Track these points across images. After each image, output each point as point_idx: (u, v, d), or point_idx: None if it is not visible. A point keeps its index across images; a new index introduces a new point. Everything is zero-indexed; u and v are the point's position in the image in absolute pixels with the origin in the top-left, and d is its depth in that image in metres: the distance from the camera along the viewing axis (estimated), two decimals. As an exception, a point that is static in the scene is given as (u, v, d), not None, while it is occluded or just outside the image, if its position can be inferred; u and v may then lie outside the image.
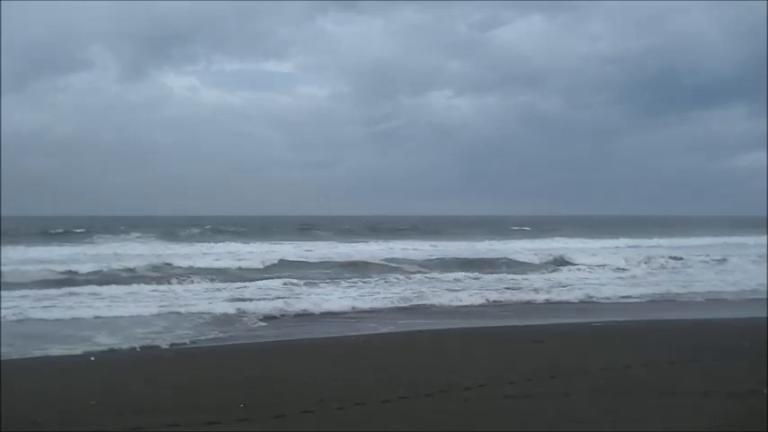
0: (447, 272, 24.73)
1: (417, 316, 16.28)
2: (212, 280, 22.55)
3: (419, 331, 13.80)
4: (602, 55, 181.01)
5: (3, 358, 10.70)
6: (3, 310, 15.14)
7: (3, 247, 30.92)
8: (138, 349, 11.89)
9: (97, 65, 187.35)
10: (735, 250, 34.44)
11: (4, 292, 17.77)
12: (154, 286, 20.53)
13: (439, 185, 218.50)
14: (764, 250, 30.84)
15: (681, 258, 30.19)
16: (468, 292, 19.93)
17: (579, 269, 27.10)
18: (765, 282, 20.70)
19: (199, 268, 25.36)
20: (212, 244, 37.82)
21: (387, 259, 28.91)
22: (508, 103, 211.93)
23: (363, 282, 22.33)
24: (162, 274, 24.04)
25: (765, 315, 15.70)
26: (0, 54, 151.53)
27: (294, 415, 6.96)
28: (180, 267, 25.55)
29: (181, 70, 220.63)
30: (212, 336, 13.36)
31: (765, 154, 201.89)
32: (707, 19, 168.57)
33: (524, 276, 24.29)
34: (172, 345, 12.42)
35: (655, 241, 45.64)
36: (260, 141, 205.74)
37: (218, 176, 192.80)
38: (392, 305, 17.68)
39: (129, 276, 23.22)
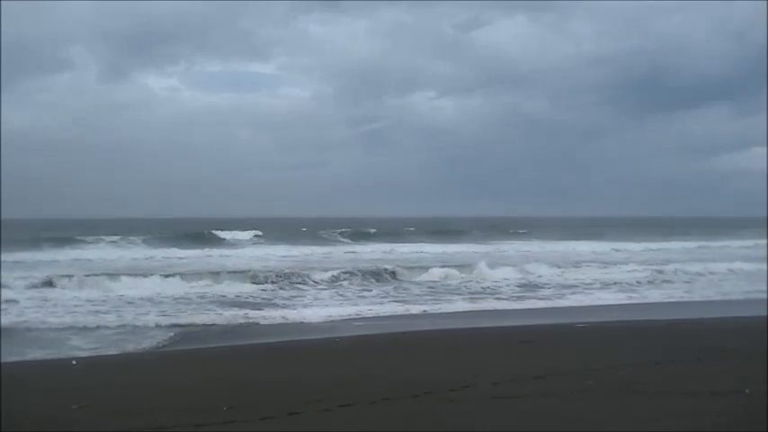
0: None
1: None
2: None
3: (404, 332, 13.82)
4: (586, 56, 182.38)
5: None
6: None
7: None
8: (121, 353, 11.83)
9: (78, 65, 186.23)
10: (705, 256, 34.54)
11: None
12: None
13: (423, 187, 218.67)
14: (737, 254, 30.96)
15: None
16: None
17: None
18: None
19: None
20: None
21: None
22: (492, 104, 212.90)
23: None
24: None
25: (746, 315, 15.89)
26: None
27: (280, 417, 6.92)
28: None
29: (162, 71, 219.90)
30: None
31: (748, 154, 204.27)
32: (691, 21, 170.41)
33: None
34: (155, 348, 12.38)
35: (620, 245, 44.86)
36: (243, 143, 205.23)
37: (202, 178, 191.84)
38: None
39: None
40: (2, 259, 26.09)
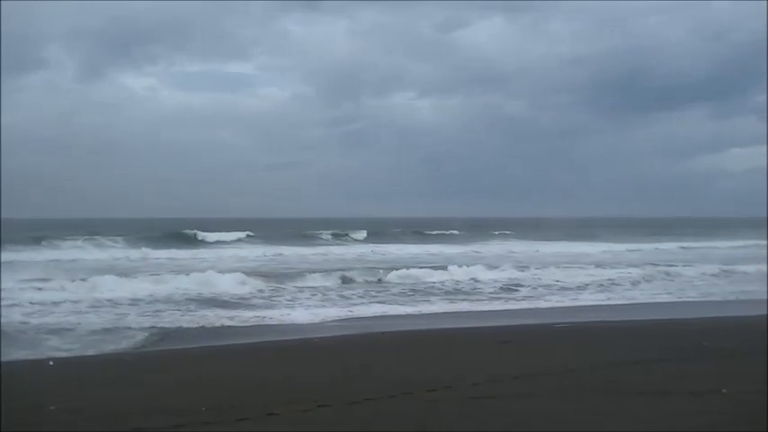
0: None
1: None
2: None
3: (383, 333, 13.83)
4: (564, 56, 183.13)
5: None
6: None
7: None
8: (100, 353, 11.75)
9: (54, 64, 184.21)
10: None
11: None
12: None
13: (403, 187, 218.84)
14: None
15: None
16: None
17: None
18: None
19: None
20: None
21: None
22: (471, 105, 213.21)
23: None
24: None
25: (724, 315, 16.02)
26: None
27: (259, 418, 6.90)
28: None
29: (141, 71, 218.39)
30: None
31: (728, 156, 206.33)
32: (669, 21, 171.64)
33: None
34: (134, 348, 12.31)
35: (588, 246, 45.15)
36: (222, 143, 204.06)
37: (181, 178, 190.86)
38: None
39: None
40: None
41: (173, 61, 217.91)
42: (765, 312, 16.01)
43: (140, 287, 20.41)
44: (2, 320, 14.67)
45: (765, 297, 19.86)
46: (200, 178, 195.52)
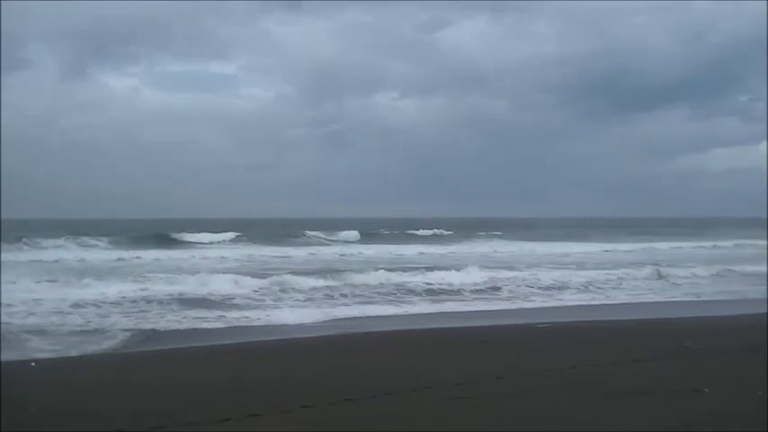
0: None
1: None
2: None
3: (365, 333, 13.87)
4: (547, 57, 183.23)
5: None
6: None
7: None
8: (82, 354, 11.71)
9: (35, 64, 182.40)
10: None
11: None
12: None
13: (386, 187, 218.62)
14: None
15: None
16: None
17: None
18: None
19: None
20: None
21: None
22: (454, 105, 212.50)
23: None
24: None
25: (706, 315, 16.16)
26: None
27: (240, 419, 6.92)
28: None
29: (122, 71, 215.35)
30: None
31: (708, 156, 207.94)
32: (651, 22, 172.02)
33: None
34: (116, 349, 12.28)
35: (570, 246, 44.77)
36: (204, 143, 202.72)
37: (163, 178, 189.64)
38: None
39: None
40: None
41: (154, 61, 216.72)
42: (747, 312, 16.27)
43: (123, 288, 20.31)
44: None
45: (746, 297, 20.12)
46: (183, 178, 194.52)
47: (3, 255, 30.88)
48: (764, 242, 46.18)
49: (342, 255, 38.01)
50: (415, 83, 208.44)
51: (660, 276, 25.70)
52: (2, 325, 14.34)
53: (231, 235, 51.49)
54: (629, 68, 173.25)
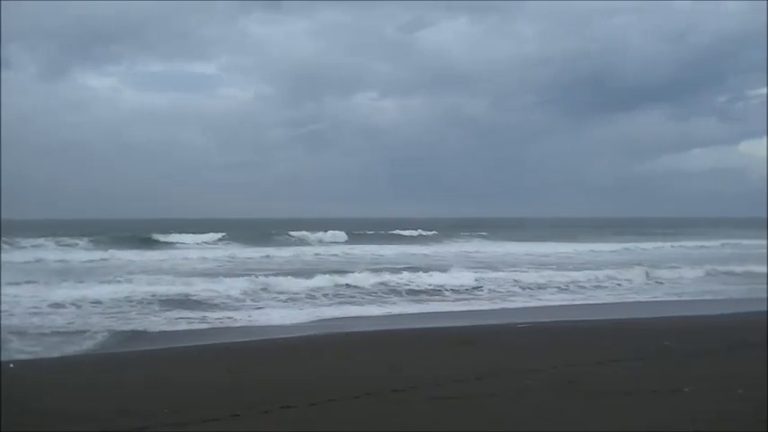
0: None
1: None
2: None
3: (347, 333, 13.86)
4: (528, 57, 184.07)
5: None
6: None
7: None
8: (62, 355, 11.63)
9: (15, 64, 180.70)
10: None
11: None
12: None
13: (367, 188, 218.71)
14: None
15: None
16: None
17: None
18: None
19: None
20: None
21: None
22: (435, 106, 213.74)
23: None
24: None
25: (686, 315, 16.28)
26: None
27: (222, 419, 6.90)
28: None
29: (103, 71, 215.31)
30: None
31: (688, 156, 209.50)
32: (632, 22, 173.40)
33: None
34: (97, 350, 12.21)
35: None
36: (184, 143, 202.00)
37: (143, 179, 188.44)
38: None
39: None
40: None
41: (135, 61, 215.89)
42: (728, 311, 16.42)
43: (104, 288, 20.18)
44: None
45: (729, 297, 20.29)
46: (164, 178, 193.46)
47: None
48: (750, 242, 46.86)
49: (324, 255, 37.94)
50: (395, 83, 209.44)
51: (649, 277, 25.75)
52: None
53: (214, 236, 51.25)
54: (609, 68, 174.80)
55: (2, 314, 15.62)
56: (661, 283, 24.73)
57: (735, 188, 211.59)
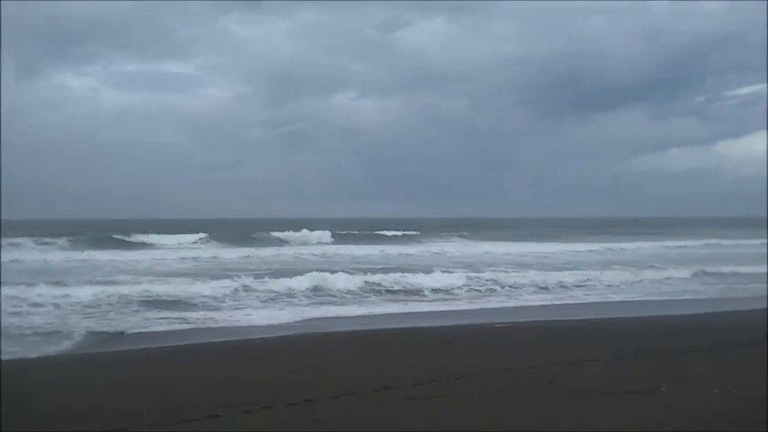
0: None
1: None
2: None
3: (325, 333, 13.88)
4: (506, 57, 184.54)
5: None
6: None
7: None
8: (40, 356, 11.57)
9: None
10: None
11: None
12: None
13: (348, 188, 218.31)
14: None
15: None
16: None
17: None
18: None
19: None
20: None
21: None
22: (413, 106, 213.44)
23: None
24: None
25: (664, 314, 16.41)
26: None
27: (201, 419, 6.91)
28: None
29: (79, 70, 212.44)
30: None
31: (665, 156, 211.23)
32: (609, 22, 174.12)
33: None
34: (75, 350, 12.16)
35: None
36: (162, 143, 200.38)
37: (120, 179, 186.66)
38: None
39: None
40: None
41: (112, 60, 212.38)
42: (707, 312, 16.59)
43: (83, 289, 20.06)
44: None
45: (700, 297, 20.47)
46: (142, 179, 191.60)
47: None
48: (732, 242, 47.37)
49: (307, 255, 37.85)
50: (374, 83, 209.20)
51: (630, 277, 25.83)
52: None
53: (195, 236, 50.98)
54: (588, 68, 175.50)
55: None
56: (640, 282, 24.82)
57: (711, 188, 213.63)
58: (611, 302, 19.78)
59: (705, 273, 27.18)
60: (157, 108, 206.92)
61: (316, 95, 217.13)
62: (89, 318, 15.75)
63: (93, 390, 8.62)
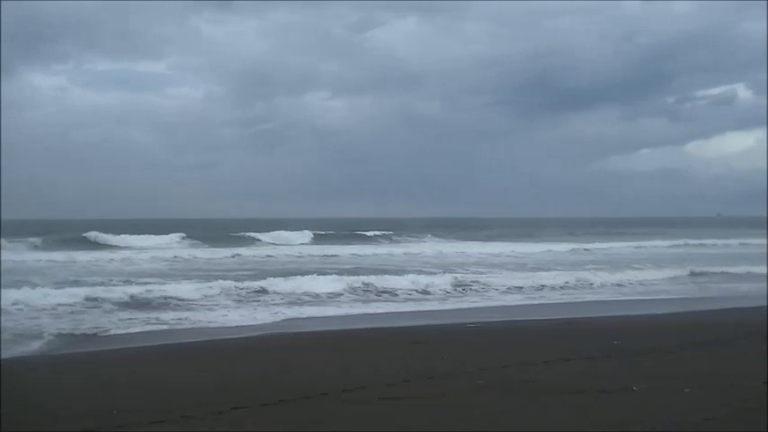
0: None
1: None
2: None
3: (297, 333, 13.84)
4: (479, 57, 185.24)
5: None
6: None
7: None
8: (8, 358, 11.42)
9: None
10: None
11: None
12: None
13: (319, 187, 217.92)
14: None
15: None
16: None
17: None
18: None
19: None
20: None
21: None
22: (385, 106, 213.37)
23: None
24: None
25: (635, 314, 16.54)
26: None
27: (173, 420, 6.86)
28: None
29: (49, 70, 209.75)
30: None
31: (636, 156, 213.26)
32: (581, 22, 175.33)
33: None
34: (45, 351, 12.03)
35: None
36: (133, 143, 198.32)
37: (90, 179, 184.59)
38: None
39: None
40: None
41: (82, 60, 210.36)
42: (679, 311, 16.75)
43: (55, 290, 19.87)
44: None
45: (673, 297, 20.67)
46: (114, 178, 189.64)
47: None
48: (711, 241, 47.96)
49: (282, 256, 37.77)
50: (345, 83, 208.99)
51: (600, 278, 25.93)
52: None
53: (168, 237, 50.61)
54: (560, 69, 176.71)
55: None
56: (615, 282, 24.93)
57: (682, 189, 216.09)
58: (585, 302, 19.87)
59: (679, 273, 27.34)
60: (129, 108, 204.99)
61: (287, 95, 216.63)
62: (59, 318, 15.57)
63: (59, 391, 8.54)
